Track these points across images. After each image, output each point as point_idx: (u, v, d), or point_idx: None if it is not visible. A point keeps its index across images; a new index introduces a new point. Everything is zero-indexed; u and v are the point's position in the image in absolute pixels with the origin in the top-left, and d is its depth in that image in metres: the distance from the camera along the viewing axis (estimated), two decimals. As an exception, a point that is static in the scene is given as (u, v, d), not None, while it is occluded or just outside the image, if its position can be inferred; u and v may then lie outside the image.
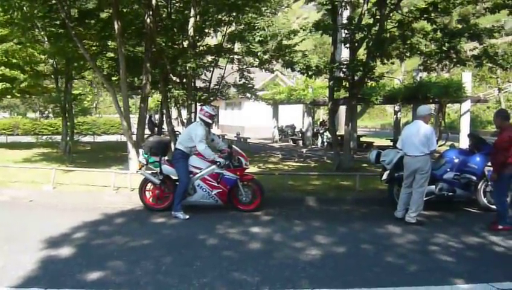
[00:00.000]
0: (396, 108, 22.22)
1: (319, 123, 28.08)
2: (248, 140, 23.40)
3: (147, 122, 24.38)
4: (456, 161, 7.89)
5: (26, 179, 9.78)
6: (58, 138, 18.18)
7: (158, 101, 26.71)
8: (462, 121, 17.63)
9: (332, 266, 4.85)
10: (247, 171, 7.86)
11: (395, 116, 22.74)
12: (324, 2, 11.40)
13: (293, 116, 28.98)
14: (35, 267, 4.59)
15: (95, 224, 6.51)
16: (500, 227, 6.47)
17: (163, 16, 14.25)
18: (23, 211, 7.57)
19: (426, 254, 5.38)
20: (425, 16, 10.76)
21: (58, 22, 13.62)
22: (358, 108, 49.09)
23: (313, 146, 22.33)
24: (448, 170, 7.81)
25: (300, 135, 25.38)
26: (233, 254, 5.24)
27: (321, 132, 23.08)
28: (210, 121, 7.46)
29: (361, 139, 21.95)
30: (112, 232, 6.11)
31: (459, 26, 12.03)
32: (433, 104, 22.74)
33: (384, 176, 7.91)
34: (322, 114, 41.27)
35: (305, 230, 6.42)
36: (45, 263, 4.75)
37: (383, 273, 4.66)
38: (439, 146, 10.15)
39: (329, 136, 19.37)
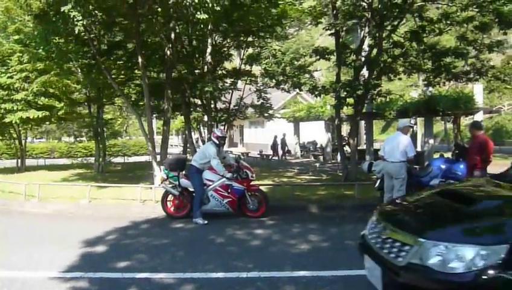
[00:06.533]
0: (412, 121, 22.95)
1: (338, 138, 28.75)
2: (270, 157, 24.52)
3: (280, 142, 25.42)
4: (442, 167, 8.80)
5: (65, 195, 11.14)
6: (92, 159, 19.66)
7: (183, 122, 28.05)
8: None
9: (315, 256, 5.88)
10: (253, 182, 8.97)
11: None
12: (327, 28, 12.52)
13: (316, 132, 29.74)
14: (77, 259, 5.80)
15: (124, 229, 7.72)
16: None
17: (185, 43, 15.49)
18: (64, 220, 8.97)
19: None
20: (416, 38, 11.76)
21: (89, 55, 15.07)
22: (383, 123, 49.38)
23: (333, 161, 23.14)
24: (434, 176, 8.72)
25: (321, 150, 26.25)
26: (236, 249, 6.34)
27: (340, 147, 23.86)
28: (217, 142, 8.64)
29: (379, 152, 22.64)
30: (137, 235, 7.32)
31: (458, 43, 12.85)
32: (447, 117, 23.48)
33: (377, 184, 8.90)
34: (344, 130, 41.87)
35: (301, 231, 7.44)
36: (84, 256, 5.96)
37: (355, 259, 5.63)
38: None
39: (348, 150, 20.17)
